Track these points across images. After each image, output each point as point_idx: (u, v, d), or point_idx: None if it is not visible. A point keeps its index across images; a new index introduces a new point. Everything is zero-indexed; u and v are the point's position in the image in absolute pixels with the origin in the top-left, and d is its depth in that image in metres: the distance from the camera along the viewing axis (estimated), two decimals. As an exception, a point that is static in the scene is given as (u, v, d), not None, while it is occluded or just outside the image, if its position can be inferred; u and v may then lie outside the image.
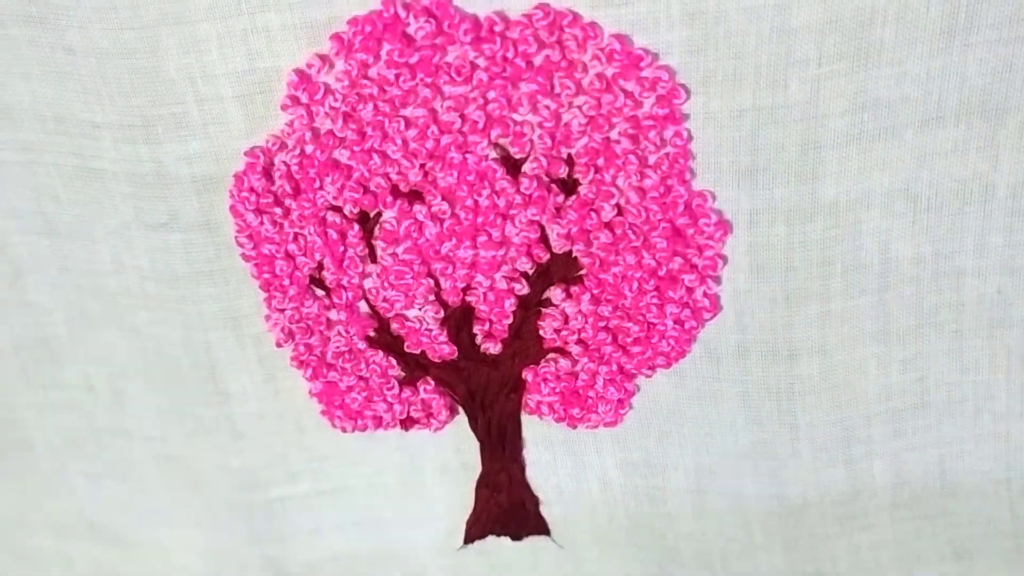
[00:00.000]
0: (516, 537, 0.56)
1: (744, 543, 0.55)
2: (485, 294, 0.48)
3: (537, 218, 0.47)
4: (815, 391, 0.51)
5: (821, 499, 0.54)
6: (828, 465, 0.53)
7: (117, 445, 0.57)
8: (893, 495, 0.54)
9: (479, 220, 0.47)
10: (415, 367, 0.51)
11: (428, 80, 0.44)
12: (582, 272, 0.48)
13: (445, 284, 0.48)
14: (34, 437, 0.58)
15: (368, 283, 0.49)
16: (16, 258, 0.52)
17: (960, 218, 0.47)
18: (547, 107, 0.44)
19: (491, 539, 0.56)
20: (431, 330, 0.50)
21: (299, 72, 0.44)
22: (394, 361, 0.51)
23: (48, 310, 0.54)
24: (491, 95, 0.44)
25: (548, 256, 0.48)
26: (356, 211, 0.47)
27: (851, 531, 0.55)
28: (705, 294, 0.48)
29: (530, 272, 0.48)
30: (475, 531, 0.56)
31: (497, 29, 0.43)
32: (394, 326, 0.50)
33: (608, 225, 0.47)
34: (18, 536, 0.62)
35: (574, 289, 0.48)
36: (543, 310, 0.49)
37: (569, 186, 0.46)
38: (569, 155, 0.45)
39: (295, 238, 0.48)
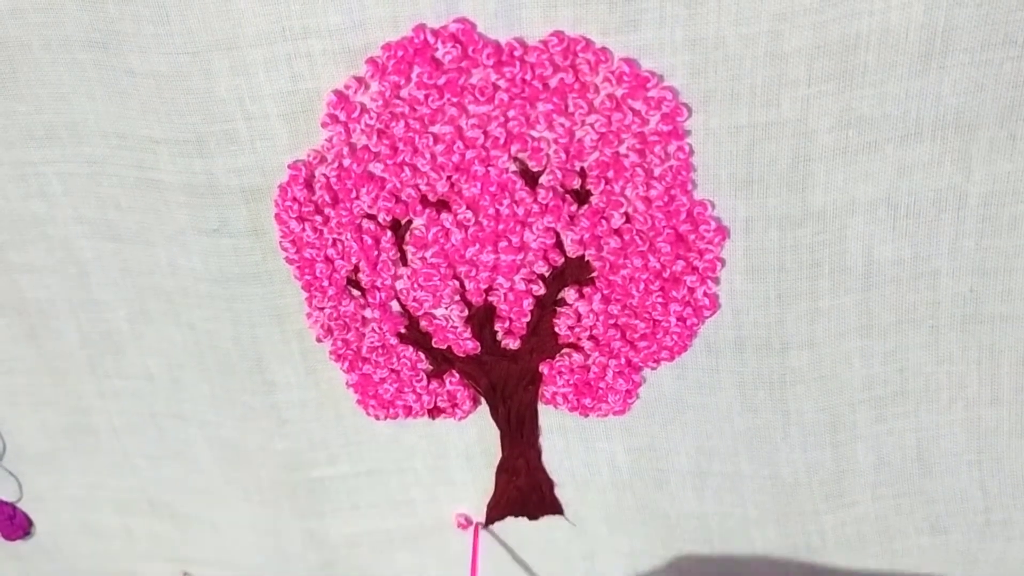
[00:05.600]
0: (533, 517, 0.56)
1: (740, 519, 0.55)
2: (506, 294, 0.49)
3: (553, 225, 0.47)
4: (804, 381, 0.51)
5: (810, 479, 0.53)
6: (816, 448, 0.52)
7: (174, 429, 0.57)
8: (875, 475, 0.53)
9: (500, 227, 0.47)
10: (442, 361, 0.51)
11: (454, 100, 0.44)
12: (594, 274, 0.48)
13: (469, 285, 0.49)
14: (99, 422, 0.58)
15: (399, 284, 0.49)
16: (82, 261, 0.52)
17: (936, 224, 0.47)
18: (562, 124, 0.45)
19: (510, 519, 0.56)
20: (456, 327, 0.50)
21: (338, 93, 0.44)
22: (423, 355, 0.51)
23: (111, 307, 0.54)
24: (511, 114, 0.44)
25: (563, 260, 0.48)
26: (389, 219, 0.47)
27: (837, 507, 0.54)
28: (705, 294, 0.48)
29: (546, 274, 0.48)
30: (495, 512, 0.56)
31: (517, 54, 0.43)
32: (423, 323, 0.50)
33: (617, 232, 0.47)
34: (84, 511, 0.61)
35: (586, 290, 0.48)
36: (558, 309, 0.49)
37: (582, 196, 0.46)
38: (582, 168, 0.46)
39: (334, 243, 0.48)
